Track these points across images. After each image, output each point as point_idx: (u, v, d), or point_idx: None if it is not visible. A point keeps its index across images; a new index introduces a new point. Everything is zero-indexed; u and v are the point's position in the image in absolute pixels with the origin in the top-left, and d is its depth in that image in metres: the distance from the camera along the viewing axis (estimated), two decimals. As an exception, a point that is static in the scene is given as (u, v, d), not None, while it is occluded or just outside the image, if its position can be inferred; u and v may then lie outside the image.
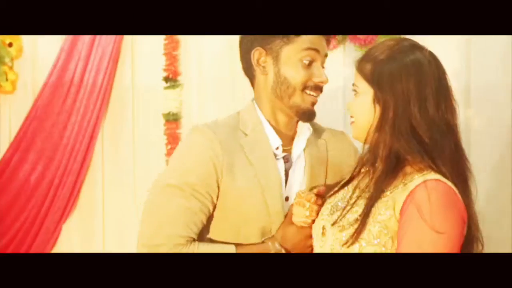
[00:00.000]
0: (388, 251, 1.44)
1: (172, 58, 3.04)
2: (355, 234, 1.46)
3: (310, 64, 1.72)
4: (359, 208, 1.49)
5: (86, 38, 3.09)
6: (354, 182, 1.61)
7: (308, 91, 1.73)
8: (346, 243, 1.47)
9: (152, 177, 3.02)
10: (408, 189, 1.45)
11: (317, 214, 1.65)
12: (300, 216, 1.66)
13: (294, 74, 1.71)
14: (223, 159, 1.68)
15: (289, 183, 1.77)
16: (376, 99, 1.51)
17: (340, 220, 1.51)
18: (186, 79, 3.06)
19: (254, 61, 1.76)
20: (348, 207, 1.52)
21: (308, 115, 1.76)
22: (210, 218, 1.72)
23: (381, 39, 2.62)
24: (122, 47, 3.14)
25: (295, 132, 1.82)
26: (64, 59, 3.13)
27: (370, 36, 2.65)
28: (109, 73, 3.10)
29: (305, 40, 1.71)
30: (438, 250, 1.38)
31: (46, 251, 3.15)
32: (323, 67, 1.77)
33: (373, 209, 1.47)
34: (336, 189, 1.67)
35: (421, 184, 1.43)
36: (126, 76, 3.16)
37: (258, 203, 1.71)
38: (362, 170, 1.62)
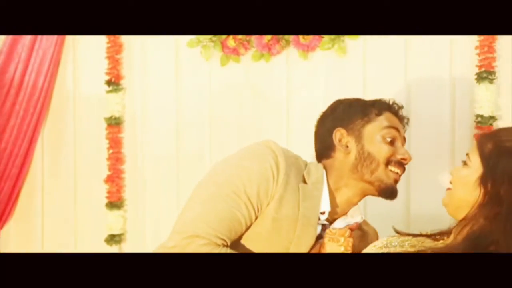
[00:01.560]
0: None
1: (114, 62, 3.01)
2: None
3: (392, 142, 1.79)
4: None
5: (26, 41, 3.03)
6: (422, 238, 1.60)
7: (391, 168, 1.79)
8: None
9: (93, 182, 3.04)
10: None
11: (352, 248, 1.67)
12: (335, 252, 1.68)
13: (379, 149, 1.78)
14: (280, 186, 1.69)
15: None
16: (483, 182, 1.47)
17: None
18: (129, 83, 3.04)
19: (336, 141, 1.81)
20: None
21: (390, 192, 1.81)
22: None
23: (325, 43, 2.67)
24: (64, 50, 3.10)
25: (345, 214, 1.85)
26: (3, 61, 3.05)
27: (314, 42, 2.68)
28: (50, 76, 3.05)
29: (384, 119, 1.81)
30: None
31: (-17, 257, 3.08)
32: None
33: None
34: (405, 233, 1.66)
35: None
36: (67, 79, 3.11)
37: (280, 245, 1.73)
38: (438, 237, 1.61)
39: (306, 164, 1.82)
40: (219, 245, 1.64)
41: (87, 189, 3.10)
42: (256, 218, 1.70)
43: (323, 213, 1.78)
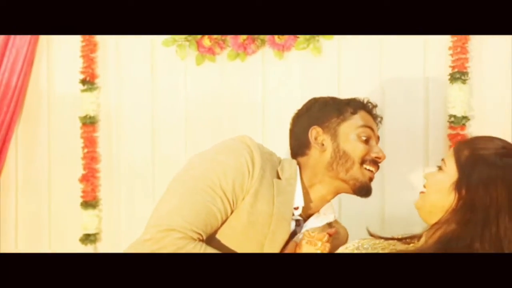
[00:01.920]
0: None
1: (89, 61, 3.00)
2: None
3: (367, 140, 1.82)
4: None
5: (-1, 39, 3.01)
6: (393, 242, 1.63)
7: (366, 166, 1.82)
8: None
9: (67, 181, 3.02)
10: None
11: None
12: None
13: (354, 147, 1.80)
14: (256, 181, 1.70)
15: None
16: (458, 188, 1.49)
17: None
18: (104, 82, 3.03)
19: (312, 139, 1.83)
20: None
21: (365, 190, 1.83)
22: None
23: (300, 43, 2.68)
24: (38, 49, 3.07)
25: (319, 210, 1.88)
26: (-24, 60, 3.03)
27: (289, 42, 2.69)
28: (23, 75, 3.02)
29: (359, 118, 1.83)
30: None
31: (-45, 258, 3.04)
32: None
33: None
34: (378, 235, 1.68)
35: None
36: (41, 78, 3.09)
37: (255, 240, 1.74)
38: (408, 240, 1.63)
39: (280, 161, 1.84)
40: (195, 239, 1.64)
41: (62, 189, 3.08)
42: (231, 213, 1.71)
43: (296, 208, 1.80)
